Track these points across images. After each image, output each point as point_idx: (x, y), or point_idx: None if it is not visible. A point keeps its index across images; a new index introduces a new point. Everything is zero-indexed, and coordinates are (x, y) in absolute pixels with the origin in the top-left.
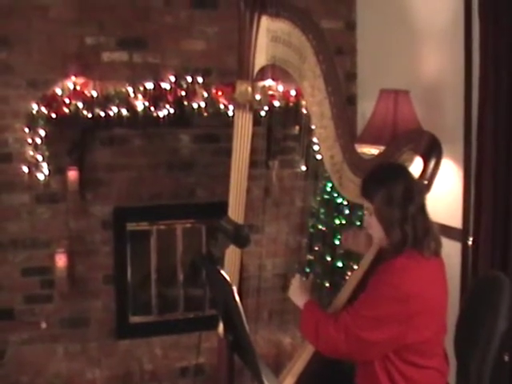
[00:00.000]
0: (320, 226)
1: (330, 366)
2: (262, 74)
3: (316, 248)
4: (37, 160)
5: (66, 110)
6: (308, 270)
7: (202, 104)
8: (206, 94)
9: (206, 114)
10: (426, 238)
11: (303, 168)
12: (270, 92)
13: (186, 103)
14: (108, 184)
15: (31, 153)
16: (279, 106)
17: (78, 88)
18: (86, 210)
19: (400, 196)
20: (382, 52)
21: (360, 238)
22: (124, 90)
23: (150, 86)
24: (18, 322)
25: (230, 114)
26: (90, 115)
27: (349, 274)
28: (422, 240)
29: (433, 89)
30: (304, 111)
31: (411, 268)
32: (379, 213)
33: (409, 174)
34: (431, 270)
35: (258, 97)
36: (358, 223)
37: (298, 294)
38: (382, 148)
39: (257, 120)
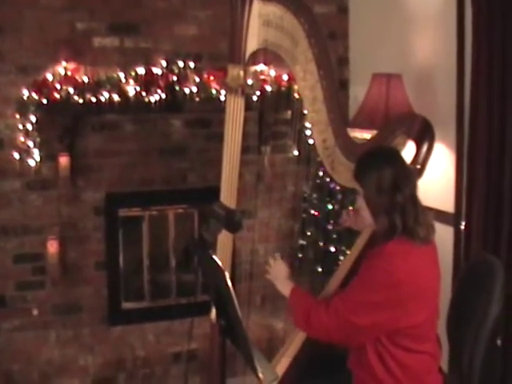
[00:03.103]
0: (312, 211)
1: (322, 352)
2: (254, 58)
3: (308, 233)
4: (28, 146)
5: (57, 96)
6: (300, 255)
7: (194, 89)
8: (197, 79)
9: (197, 99)
10: (417, 227)
11: (295, 153)
12: (262, 77)
13: (177, 88)
14: (99, 170)
15: (22, 139)
16: (271, 91)
17: (68, 73)
18: (77, 196)
19: (389, 183)
20: (374, 36)
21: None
22: (115, 75)
23: (141, 71)
24: (9, 309)
25: (222, 98)
26: (81, 101)
27: (341, 258)
28: (412, 228)
29: (425, 73)
30: (296, 96)
31: (402, 253)
32: (367, 199)
33: (400, 160)
34: (422, 256)
35: (249, 81)
36: (351, 208)
37: (280, 281)
38: (375, 132)
39: (249, 105)
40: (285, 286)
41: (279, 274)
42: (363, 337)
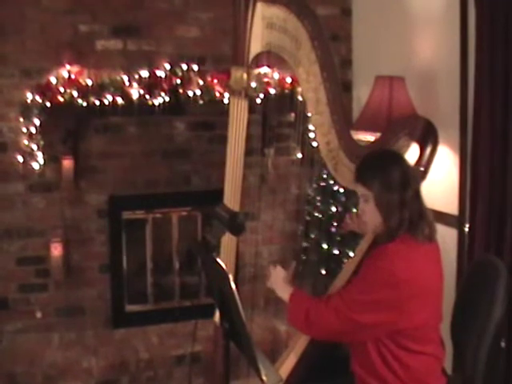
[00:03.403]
0: (316, 214)
1: (326, 354)
2: (257, 61)
3: (312, 235)
4: (31, 149)
5: (61, 99)
6: (304, 257)
7: (198, 92)
8: (201, 82)
9: (201, 102)
10: (421, 223)
11: (299, 155)
12: (266, 79)
13: (181, 91)
14: (103, 172)
15: (26, 142)
16: (275, 93)
17: (72, 76)
18: (81, 198)
19: (398, 181)
20: (377, 38)
21: None
22: (119, 78)
23: (144, 74)
24: (12, 311)
25: (226, 101)
26: (84, 104)
27: (345, 261)
28: (416, 225)
29: (428, 75)
30: (299, 98)
31: (403, 253)
32: (379, 199)
33: (404, 160)
34: (424, 255)
35: (253, 84)
36: (354, 210)
37: (280, 287)
38: (378, 134)
39: (252, 107)
40: (284, 291)
41: (277, 279)
42: (363, 335)
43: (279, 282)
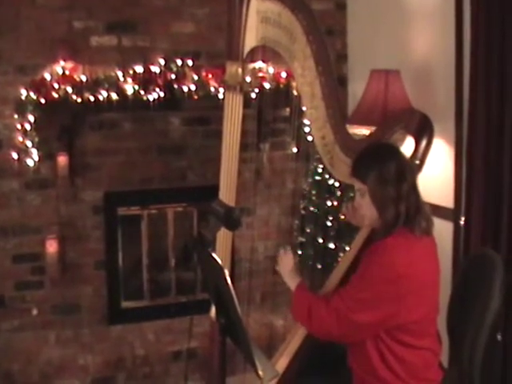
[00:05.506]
0: (311, 208)
1: (323, 349)
2: (252, 55)
3: (308, 230)
4: (26, 146)
5: (55, 95)
6: (300, 252)
7: (192, 87)
8: (195, 77)
9: (196, 97)
10: (418, 217)
11: (294, 150)
12: (261, 74)
13: (176, 86)
14: (98, 169)
15: (20, 139)
16: (270, 88)
17: (66, 73)
18: (76, 195)
19: (393, 175)
20: (372, 32)
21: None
22: (113, 73)
23: (139, 69)
24: (8, 309)
25: (221, 96)
26: (79, 100)
27: (341, 255)
28: (413, 218)
29: (424, 68)
30: (295, 92)
31: (401, 247)
32: (373, 193)
33: (400, 153)
34: (422, 249)
35: (248, 79)
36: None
37: (288, 273)
38: (373, 128)
39: (247, 102)
40: (291, 280)
41: (286, 266)
42: (364, 334)
43: (286, 269)
